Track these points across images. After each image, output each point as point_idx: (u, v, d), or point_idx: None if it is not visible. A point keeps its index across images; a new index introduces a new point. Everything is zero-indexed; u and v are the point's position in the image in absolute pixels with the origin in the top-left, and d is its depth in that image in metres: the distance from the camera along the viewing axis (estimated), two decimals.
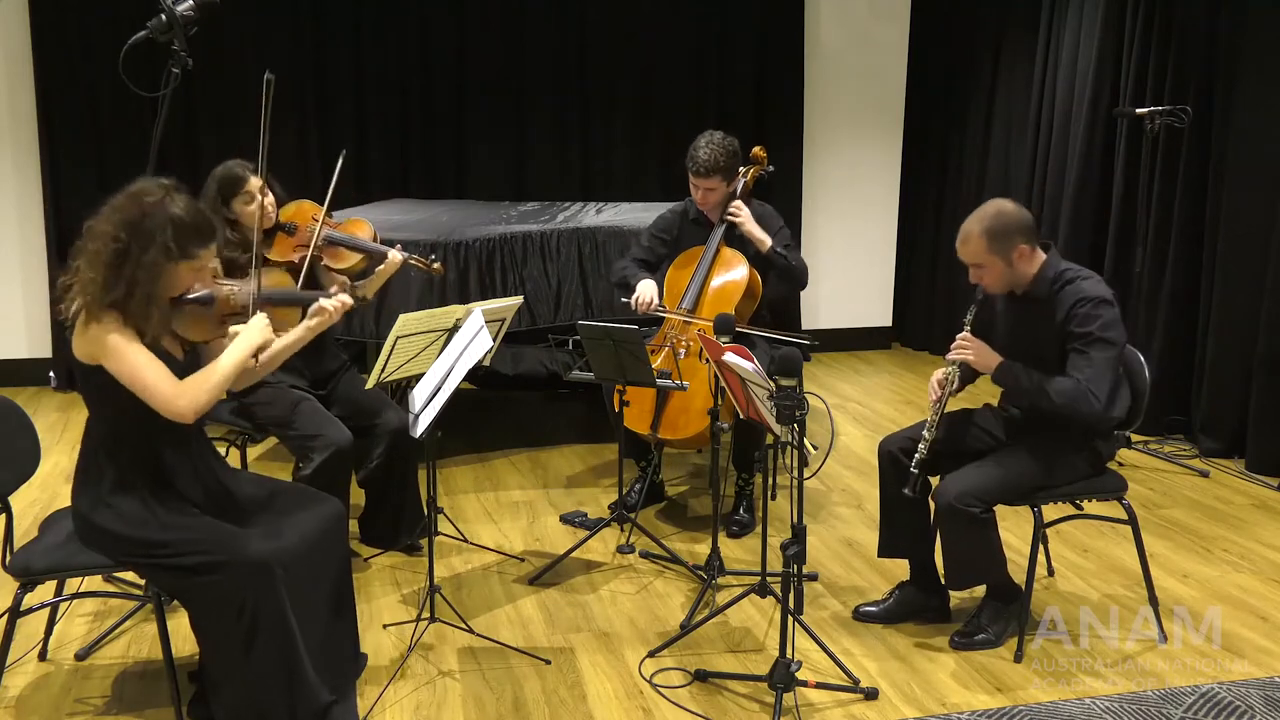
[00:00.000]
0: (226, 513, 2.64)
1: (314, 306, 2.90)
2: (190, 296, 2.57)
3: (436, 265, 3.72)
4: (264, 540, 2.57)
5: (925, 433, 3.13)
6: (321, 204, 3.49)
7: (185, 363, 2.62)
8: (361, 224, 3.73)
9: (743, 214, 4.00)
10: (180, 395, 2.47)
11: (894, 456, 3.26)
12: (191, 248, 2.49)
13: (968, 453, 3.21)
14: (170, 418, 2.46)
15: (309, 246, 3.42)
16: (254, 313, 2.68)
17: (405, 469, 3.73)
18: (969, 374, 3.27)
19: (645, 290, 3.97)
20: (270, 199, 3.53)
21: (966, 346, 3.11)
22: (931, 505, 3.19)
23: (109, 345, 2.43)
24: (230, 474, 2.78)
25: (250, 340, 2.61)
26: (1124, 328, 3.05)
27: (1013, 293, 3.15)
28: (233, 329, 2.67)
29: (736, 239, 4.04)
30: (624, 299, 4.02)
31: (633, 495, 4.17)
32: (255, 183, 3.46)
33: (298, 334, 2.88)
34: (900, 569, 3.42)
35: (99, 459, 2.58)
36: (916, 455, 3.12)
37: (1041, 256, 3.08)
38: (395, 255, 3.63)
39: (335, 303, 2.91)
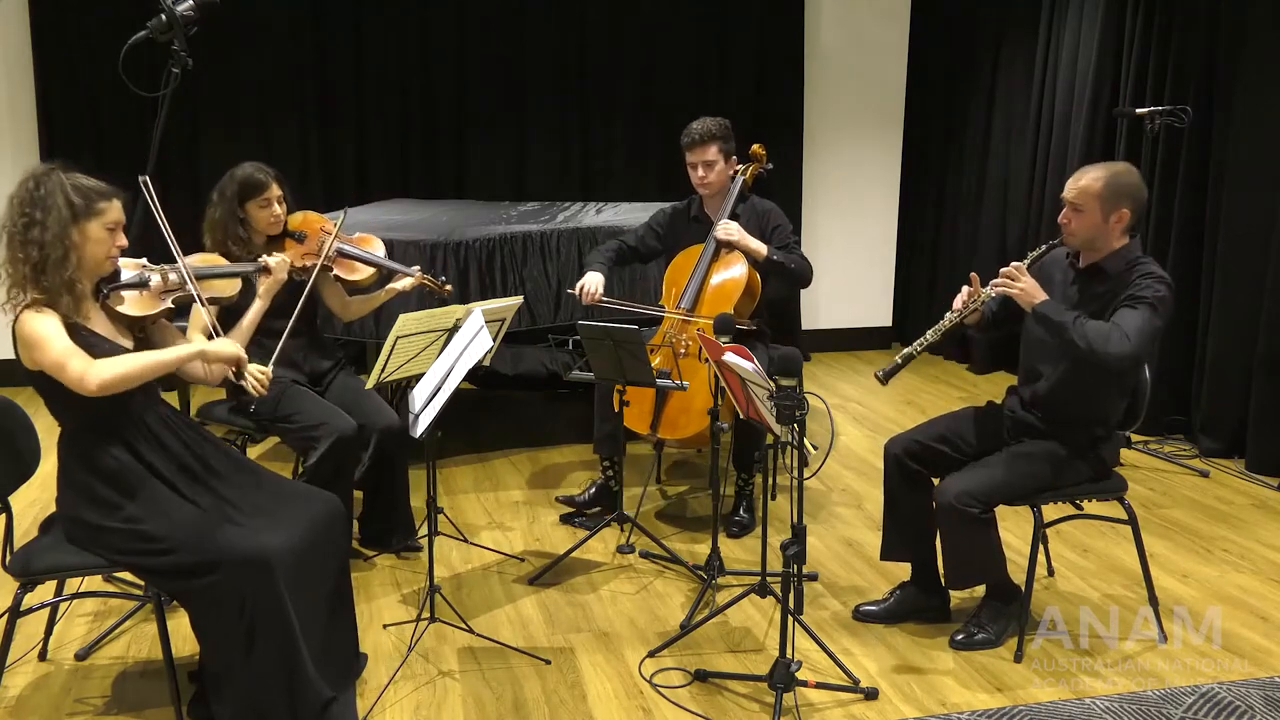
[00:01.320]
0: (219, 496, 2.64)
1: (261, 274, 3.09)
2: (124, 280, 2.65)
3: (448, 287, 3.83)
4: (262, 537, 2.56)
5: (928, 334, 3.13)
6: (335, 209, 3.56)
7: (136, 350, 2.65)
8: (372, 240, 3.81)
9: (733, 231, 3.95)
10: (89, 366, 2.46)
11: (899, 460, 3.26)
12: (94, 202, 2.54)
13: (970, 452, 3.21)
14: (73, 387, 2.46)
15: (319, 255, 3.51)
16: (191, 287, 2.76)
17: (394, 470, 3.73)
18: (996, 315, 3.24)
19: (588, 281, 3.97)
20: (283, 207, 3.60)
21: (1016, 278, 3.02)
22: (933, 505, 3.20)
23: (31, 338, 2.46)
24: (225, 466, 2.75)
25: (206, 346, 2.64)
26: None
27: (1078, 265, 3.14)
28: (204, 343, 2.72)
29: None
30: (568, 290, 4.03)
31: (584, 496, 4.20)
32: (275, 191, 3.55)
33: (256, 305, 3.04)
34: (900, 569, 3.42)
35: (73, 460, 2.59)
36: (910, 348, 3.14)
37: (1128, 241, 3.07)
38: (411, 273, 3.71)
39: (277, 259, 3.09)
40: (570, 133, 6.69)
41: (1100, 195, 3.00)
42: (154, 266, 2.76)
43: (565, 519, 4.16)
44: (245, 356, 2.73)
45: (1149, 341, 2.92)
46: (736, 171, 4.12)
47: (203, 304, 2.78)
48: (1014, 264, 3.06)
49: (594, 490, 4.20)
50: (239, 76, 6.10)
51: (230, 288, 3.00)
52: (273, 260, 3.05)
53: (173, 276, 2.77)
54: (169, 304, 2.75)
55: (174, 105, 3.60)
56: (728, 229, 3.95)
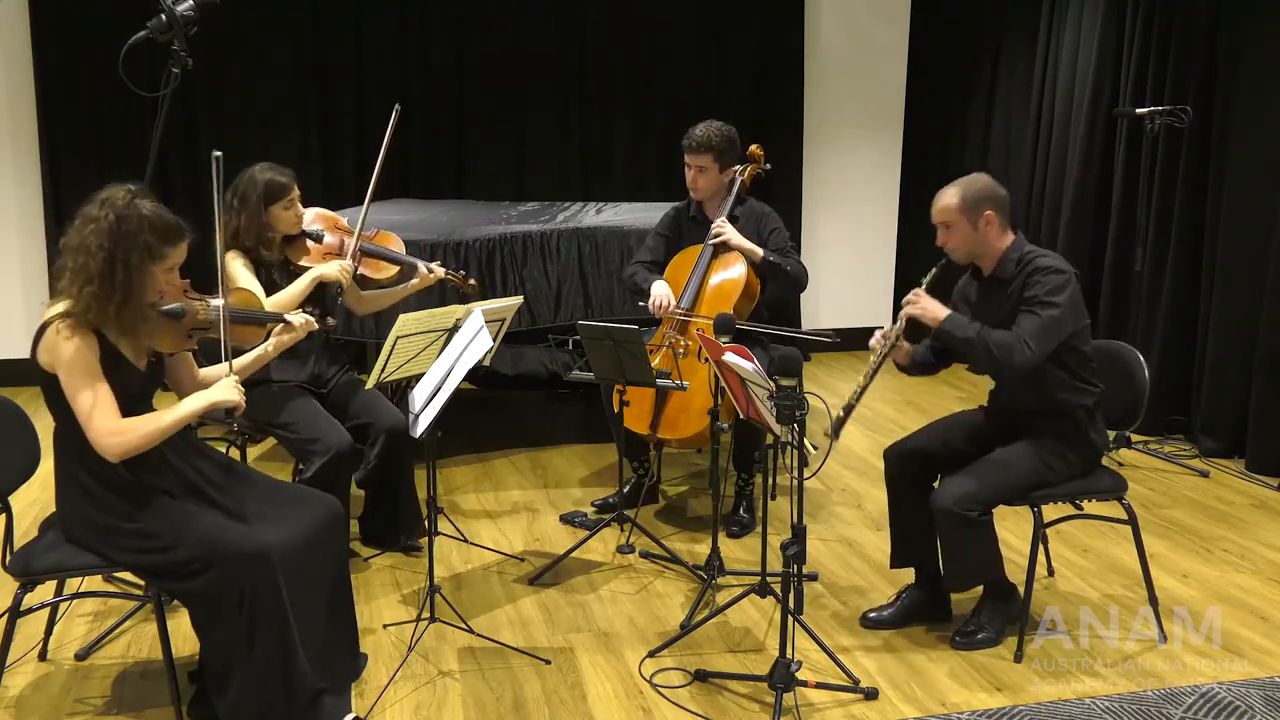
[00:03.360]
0: (216, 505, 2.64)
1: (281, 326, 2.99)
2: (163, 309, 2.60)
3: (471, 282, 3.85)
4: (261, 533, 2.57)
5: (861, 379, 3.18)
6: (336, 209, 3.57)
7: (147, 373, 2.63)
8: (391, 237, 3.85)
9: (727, 231, 3.95)
10: (114, 433, 2.45)
11: (902, 466, 3.26)
12: (164, 247, 2.52)
13: (964, 456, 3.21)
14: (91, 443, 2.45)
15: (341, 254, 3.56)
16: (222, 327, 2.68)
17: (400, 470, 3.73)
18: (915, 336, 3.30)
19: (661, 291, 3.96)
20: (301, 208, 3.65)
21: (914, 301, 3.15)
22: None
23: (68, 358, 2.44)
24: (219, 475, 2.75)
25: (211, 398, 2.61)
26: (1078, 302, 3.06)
27: (981, 276, 3.21)
28: (205, 373, 2.75)
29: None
30: (640, 303, 4.03)
31: (615, 499, 4.18)
32: (296, 192, 3.60)
33: (269, 350, 2.96)
34: (903, 569, 3.41)
35: (71, 460, 2.58)
36: (846, 402, 3.17)
37: (1010, 237, 3.14)
38: (433, 269, 3.75)
39: (301, 319, 3.01)
40: (570, 133, 6.70)
41: (960, 208, 3.12)
42: (196, 296, 2.71)
43: (565, 519, 4.16)
44: (244, 404, 2.66)
45: (1052, 339, 3.00)
46: (734, 173, 4.13)
47: (227, 355, 2.71)
48: (911, 292, 3.18)
49: (628, 489, 4.19)
50: (239, 77, 6.11)
51: (255, 336, 2.96)
52: (297, 320, 3.00)
53: (206, 313, 2.70)
54: (194, 344, 2.74)
55: (174, 105, 3.60)
56: (721, 229, 3.95)
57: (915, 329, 3.18)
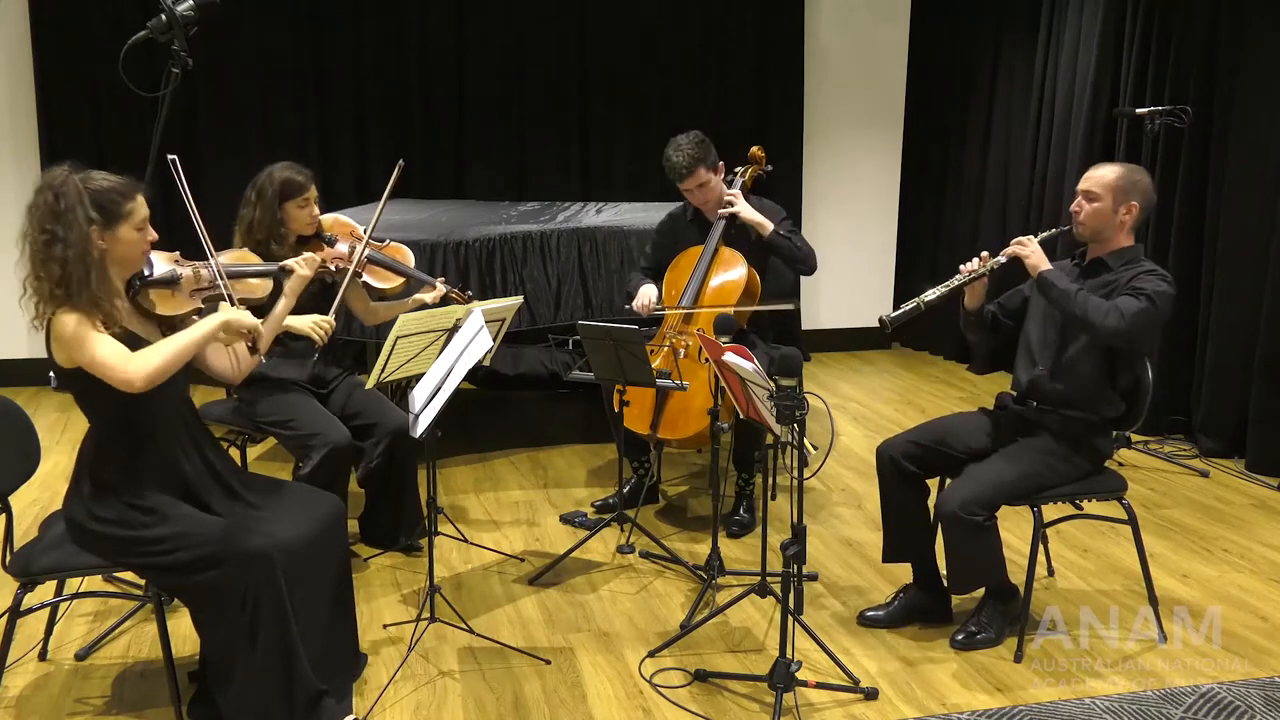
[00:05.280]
0: (223, 508, 2.65)
1: (287, 273, 3.00)
2: (154, 278, 2.62)
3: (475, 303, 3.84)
4: (263, 534, 2.57)
5: (939, 288, 3.18)
6: (336, 209, 3.53)
7: None
8: (401, 249, 3.85)
9: (739, 201, 3.96)
10: (129, 362, 2.43)
11: (895, 462, 3.26)
12: (120, 206, 2.50)
13: (965, 453, 3.22)
14: (121, 387, 2.42)
15: (350, 260, 3.55)
16: (221, 284, 2.70)
17: (404, 469, 3.74)
18: (996, 316, 3.35)
19: (643, 293, 4.00)
20: (318, 208, 3.66)
21: (1024, 244, 3.16)
22: (932, 509, 3.20)
23: (70, 339, 2.42)
24: (229, 469, 2.77)
25: (224, 317, 2.60)
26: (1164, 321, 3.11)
27: (1084, 259, 3.22)
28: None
29: (737, 229, 4.02)
30: (626, 305, 4.05)
31: (615, 499, 4.18)
32: (313, 192, 3.60)
33: (282, 303, 2.95)
34: (901, 569, 3.41)
35: (91, 461, 2.58)
36: (917, 299, 3.16)
37: (1133, 241, 3.18)
38: (437, 285, 3.75)
39: (303, 258, 3.01)
40: (570, 133, 6.70)
41: (1114, 186, 3.11)
42: (187, 262, 2.73)
43: (565, 519, 4.16)
44: (260, 327, 2.67)
45: (1143, 327, 3.01)
46: (735, 174, 4.13)
47: (234, 305, 2.72)
48: (1025, 237, 3.19)
49: (628, 489, 4.19)
50: (238, 78, 6.10)
51: (261, 288, 2.97)
52: (293, 261, 3.02)
53: (204, 274, 2.74)
54: (199, 303, 2.73)
55: (174, 105, 3.60)
56: (732, 199, 3.95)
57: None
